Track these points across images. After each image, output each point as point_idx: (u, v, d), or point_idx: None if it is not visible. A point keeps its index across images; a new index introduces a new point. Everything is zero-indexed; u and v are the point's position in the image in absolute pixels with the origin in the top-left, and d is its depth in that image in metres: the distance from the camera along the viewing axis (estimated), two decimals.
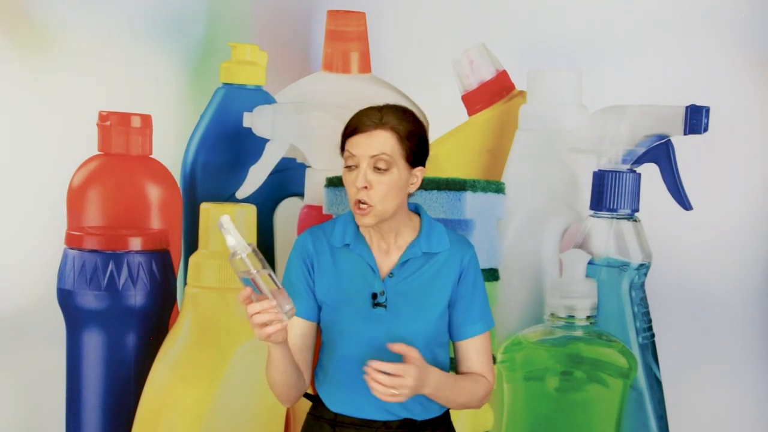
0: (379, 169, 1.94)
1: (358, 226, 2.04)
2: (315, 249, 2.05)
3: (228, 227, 1.83)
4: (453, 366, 2.13)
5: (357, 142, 1.96)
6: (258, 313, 1.83)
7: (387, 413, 2.02)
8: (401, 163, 1.97)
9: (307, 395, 2.13)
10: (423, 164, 2.03)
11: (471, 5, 3.48)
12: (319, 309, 2.06)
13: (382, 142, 1.95)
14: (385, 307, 2.00)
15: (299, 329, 2.04)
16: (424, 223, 2.05)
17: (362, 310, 2.01)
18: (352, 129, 1.97)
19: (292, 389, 2.01)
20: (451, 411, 2.12)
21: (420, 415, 2.04)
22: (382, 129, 1.95)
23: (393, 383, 1.87)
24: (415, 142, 1.98)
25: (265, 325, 1.84)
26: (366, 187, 1.94)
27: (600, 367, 2.49)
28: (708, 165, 3.14)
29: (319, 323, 2.07)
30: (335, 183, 2.60)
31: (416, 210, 2.08)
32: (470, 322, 2.05)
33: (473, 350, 2.06)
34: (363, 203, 1.95)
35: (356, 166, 1.96)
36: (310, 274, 2.05)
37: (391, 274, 2.01)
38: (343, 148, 1.99)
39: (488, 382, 2.06)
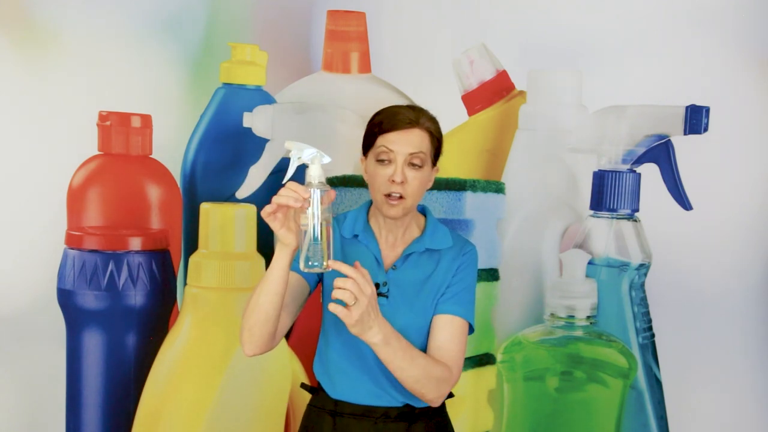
0: (414, 165, 2.02)
1: (367, 219, 2.11)
2: None
3: (316, 162, 1.87)
4: None
5: (394, 139, 2.02)
6: (282, 196, 1.85)
7: (385, 398, 2.04)
8: (429, 162, 2.06)
9: (306, 387, 2.16)
10: (436, 165, 2.11)
11: (471, 5, 3.48)
12: (318, 282, 2.11)
13: (419, 140, 2.03)
14: (386, 297, 2.05)
15: (292, 280, 2.04)
16: (429, 223, 2.12)
17: None
18: (388, 126, 2.03)
19: (266, 325, 1.96)
20: (448, 408, 2.13)
21: (418, 402, 2.05)
22: (418, 128, 2.03)
23: (349, 287, 1.85)
24: (440, 144, 2.09)
25: (278, 207, 1.85)
26: (402, 182, 2.00)
27: (600, 367, 2.49)
28: (708, 165, 3.14)
29: (310, 293, 2.09)
30: (335, 183, 2.60)
31: (423, 211, 2.15)
32: (449, 302, 2.05)
33: (440, 326, 2.04)
34: (394, 196, 2.00)
35: (390, 162, 2.02)
36: None
37: (394, 266, 2.07)
38: (371, 144, 2.05)
39: (447, 368, 2.00)
